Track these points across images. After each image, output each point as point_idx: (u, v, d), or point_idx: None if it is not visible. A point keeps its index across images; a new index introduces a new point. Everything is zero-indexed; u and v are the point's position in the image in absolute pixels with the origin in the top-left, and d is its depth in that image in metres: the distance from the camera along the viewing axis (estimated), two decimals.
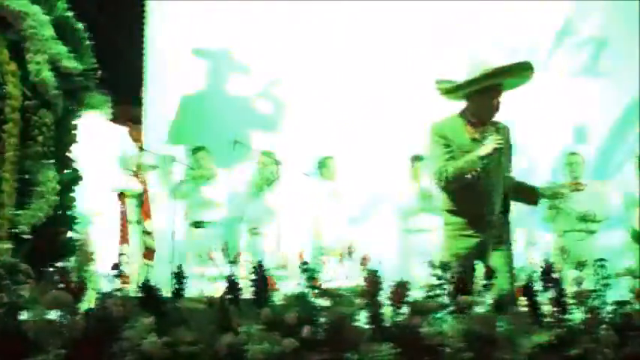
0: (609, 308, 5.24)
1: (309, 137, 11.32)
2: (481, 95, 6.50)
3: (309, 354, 4.90)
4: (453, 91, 6.59)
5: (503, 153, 6.49)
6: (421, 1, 11.77)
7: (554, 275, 5.32)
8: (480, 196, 6.42)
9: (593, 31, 12.24)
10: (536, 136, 11.67)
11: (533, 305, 5.24)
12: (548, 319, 5.19)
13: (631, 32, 11.92)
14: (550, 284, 5.28)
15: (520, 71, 6.54)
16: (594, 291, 5.28)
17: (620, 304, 5.24)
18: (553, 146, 11.58)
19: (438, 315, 5.11)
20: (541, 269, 5.33)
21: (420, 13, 11.84)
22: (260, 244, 9.74)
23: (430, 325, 4.97)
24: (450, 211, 6.51)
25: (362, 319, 5.11)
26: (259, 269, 5.27)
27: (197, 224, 9.97)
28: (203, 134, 11.33)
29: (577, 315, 5.21)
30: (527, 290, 5.28)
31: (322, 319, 5.05)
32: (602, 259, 5.43)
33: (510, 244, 6.56)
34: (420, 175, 10.61)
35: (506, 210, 6.60)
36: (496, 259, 6.31)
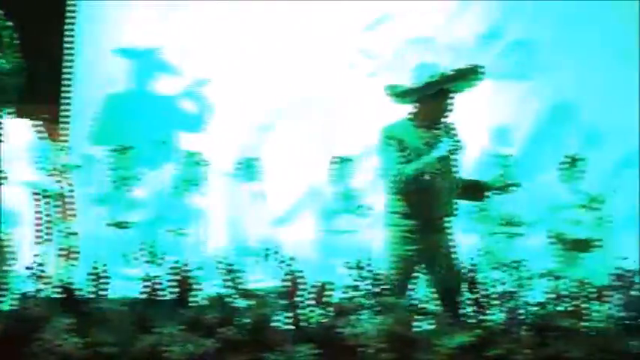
0: (530, 309, 5.28)
1: (234, 138, 11.27)
2: (434, 98, 6.58)
3: (230, 355, 4.89)
4: (406, 95, 6.64)
5: (453, 154, 6.57)
6: (345, 2, 11.77)
7: (476, 276, 5.36)
8: (433, 199, 6.46)
9: (518, 34, 12.33)
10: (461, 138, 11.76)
11: (454, 306, 5.27)
12: (468, 320, 5.21)
13: (556, 36, 12.05)
14: (471, 285, 5.31)
15: (473, 74, 6.71)
16: (515, 292, 5.32)
17: (541, 305, 5.28)
18: (476, 149, 11.67)
19: (359, 316, 5.12)
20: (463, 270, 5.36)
21: (342, 14, 11.83)
22: (183, 244, 9.68)
23: (351, 326, 4.98)
24: (400, 214, 6.50)
25: (283, 320, 5.11)
26: (181, 270, 5.24)
27: (120, 225, 9.88)
28: (128, 134, 11.21)
29: (498, 316, 5.24)
30: (448, 291, 5.31)
31: (243, 320, 5.04)
32: (523, 261, 5.47)
33: (454, 247, 6.59)
34: (344, 177, 10.65)
35: (453, 213, 6.65)
36: (441, 261, 6.37)
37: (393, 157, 6.47)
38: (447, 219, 6.55)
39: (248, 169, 10.75)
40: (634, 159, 10.99)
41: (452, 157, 6.55)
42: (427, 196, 6.41)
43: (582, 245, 9.42)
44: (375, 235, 10.23)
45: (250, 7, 11.57)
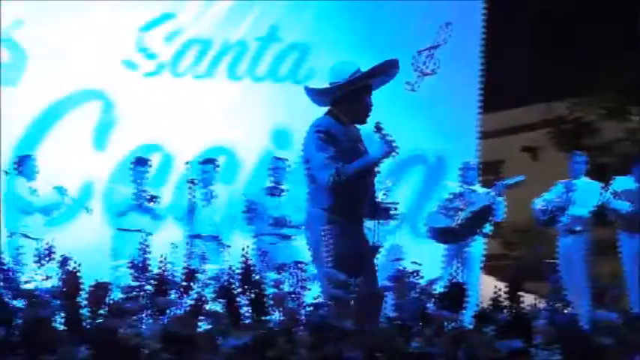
0: (306, 310, 5.36)
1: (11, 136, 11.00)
2: (355, 96, 6.57)
3: (4, 356, 4.76)
4: (328, 93, 6.63)
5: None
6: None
7: (254, 277, 5.40)
8: (360, 198, 6.51)
9: (297, 37, 12.52)
10: (239, 140, 11.86)
11: (233, 306, 5.29)
12: (247, 321, 5.25)
13: (333, 38, 12.29)
14: (249, 286, 5.34)
15: (388, 69, 6.72)
16: (292, 293, 5.40)
17: (316, 306, 5.36)
18: (255, 150, 11.81)
19: (137, 317, 5.09)
20: (241, 271, 5.39)
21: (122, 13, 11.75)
22: None
23: (129, 326, 4.93)
24: (331, 211, 6.45)
25: (59, 320, 5.02)
26: None
27: None
28: None
29: (275, 316, 5.30)
30: (226, 291, 5.33)
31: (18, 321, 4.93)
32: (300, 262, 5.57)
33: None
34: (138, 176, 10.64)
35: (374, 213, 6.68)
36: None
37: (328, 154, 6.41)
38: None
39: (23, 166, 10.54)
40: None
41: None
42: (355, 195, 6.46)
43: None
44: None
45: None
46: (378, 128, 6.42)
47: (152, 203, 10.66)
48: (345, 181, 6.33)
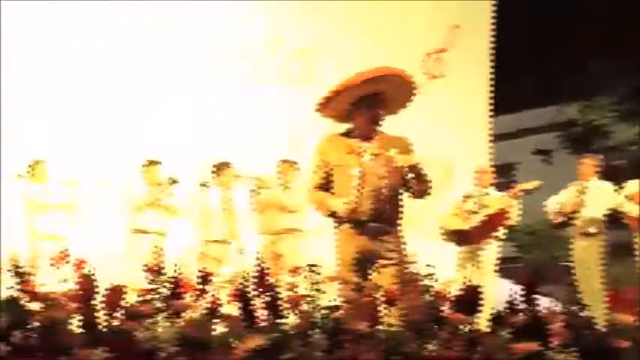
0: (321, 313, 5.35)
1: (24, 138, 11.01)
2: (356, 107, 6.55)
3: (21, 359, 4.78)
4: (321, 107, 6.64)
5: (384, 164, 6.49)
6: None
7: (268, 280, 5.40)
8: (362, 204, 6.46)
9: (304, 42, 12.54)
10: (251, 145, 11.86)
11: (248, 309, 5.29)
12: (262, 324, 5.25)
13: (340, 44, 12.31)
14: (264, 289, 5.34)
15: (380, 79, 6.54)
16: (307, 296, 5.39)
17: (332, 308, 5.36)
18: (268, 155, 11.80)
19: (153, 319, 5.10)
20: (255, 273, 5.38)
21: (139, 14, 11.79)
22: None
23: (145, 329, 4.94)
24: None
25: (75, 323, 5.03)
26: None
27: None
28: None
29: (291, 319, 5.29)
30: (242, 294, 5.33)
31: (34, 324, 4.94)
32: (314, 265, 5.55)
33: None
34: (154, 179, 10.64)
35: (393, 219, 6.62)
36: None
37: (312, 171, 6.64)
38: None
39: (34, 170, 10.58)
40: None
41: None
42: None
43: None
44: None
45: None
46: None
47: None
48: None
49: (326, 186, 6.62)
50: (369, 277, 6.23)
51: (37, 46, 11.35)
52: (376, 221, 6.48)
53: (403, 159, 6.44)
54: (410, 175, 6.53)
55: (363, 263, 6.39)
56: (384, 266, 6.44)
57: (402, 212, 6.66)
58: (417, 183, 6.55)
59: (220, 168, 10.88)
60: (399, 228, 6.62)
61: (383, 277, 6.29)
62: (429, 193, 6.70)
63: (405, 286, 5.68)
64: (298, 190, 10.14)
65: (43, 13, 11.31)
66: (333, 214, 6.52)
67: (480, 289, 5.59)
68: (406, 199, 6.66)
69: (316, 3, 12.49)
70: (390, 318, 5.36)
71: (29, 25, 11.31)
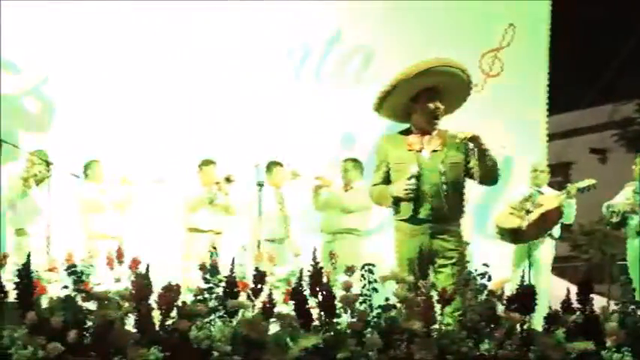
0: (375, 312, 5.34)
1: (78, 138, 11.10)
2: (414, 103, 6.51)
3: (75, 358, 4.82)
4: (378, 106, 6.63)
5: (443, 161, 6.45)
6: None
7: (323, 279, 5.39)
8: (417, 204, 6.42)
9: (362, 40, 12.53)
10: (306, 144, 11.86)
11: (302, 309, 5.29)
12: (316, 323, 5.25)
13: (398, 42, 12.28)
14: (318, 288, 5.34)
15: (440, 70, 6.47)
16: (361, 295, 5.38)
17: (385, 307, 5.34)
18: (323, 154, 11.79)
19: (207, 319, 5.11)
20: (310, 273, 5.38)
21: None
22: (27, 245, 9.47)
23: (199, 328, 4.96)
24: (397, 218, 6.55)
25: (130, 322, 5.06)
26: (25, 271, 5.13)
27: None
28: None
29: (344, 318, 5.29)
30: (297, 293, 5.33)
31: (89, 323, 4.98)
32: (369, 264, 5.53)
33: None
34: (209, 178, 10.71)
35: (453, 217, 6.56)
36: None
37: (374, 168, 6.67)
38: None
39: (90, 170, 10.66)
40: None
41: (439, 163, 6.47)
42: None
43: None
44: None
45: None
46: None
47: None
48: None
49: (386, 184, 6.60)
50: (428, 276, 6.20)
51: (96, 45, 11.43)
52: (436, 219, 6.42)
53: (464, 133, 6.39)
54: (473, 158, 6.47)
55: (422, 262, 6.37)
56: (443, 266, 6.41)
57: (463, 210, 6.60)
58: (481, 163, 6.45)
59: (272, 167, 10.89)
60: (459, 227, 6.56)
61: (442, 277, 6.27)
62: (495, 176, 6.62)
63: (462, 286, 5.61)
64: (360, 189, 10.08)
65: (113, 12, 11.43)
66: (395, 202, 6.49)
67: (534, 289, 5.56)
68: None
69: (374, 2, 12.46)
70: (444, 317, 5.35)
71: (90, 24, 11.41)
